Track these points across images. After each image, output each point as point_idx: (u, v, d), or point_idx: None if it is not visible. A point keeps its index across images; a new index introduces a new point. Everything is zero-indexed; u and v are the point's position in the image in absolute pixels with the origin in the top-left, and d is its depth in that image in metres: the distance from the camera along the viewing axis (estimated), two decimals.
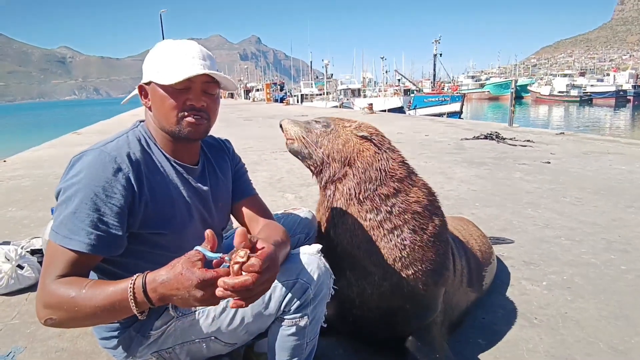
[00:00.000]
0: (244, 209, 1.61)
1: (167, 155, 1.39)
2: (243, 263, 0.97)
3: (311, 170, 1.79)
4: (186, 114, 1.32)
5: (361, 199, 1.65)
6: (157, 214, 1.30)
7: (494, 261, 2.49)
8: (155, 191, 1.31)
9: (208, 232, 1.04)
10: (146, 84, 1.36)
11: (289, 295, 1.30)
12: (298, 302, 1.31)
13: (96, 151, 1.25)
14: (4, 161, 7.94)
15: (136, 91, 1.42)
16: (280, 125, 1.82)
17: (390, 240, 1.63)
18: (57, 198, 1.22)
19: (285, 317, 1.33)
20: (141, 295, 1.05)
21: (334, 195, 1.70)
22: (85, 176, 1.19)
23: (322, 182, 1.75)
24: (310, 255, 1.35)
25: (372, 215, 1.64)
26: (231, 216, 1.68)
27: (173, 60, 1.30)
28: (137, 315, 1.07)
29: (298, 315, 1.33)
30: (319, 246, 1.39)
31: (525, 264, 2.83)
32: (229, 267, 0.98)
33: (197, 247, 1.03)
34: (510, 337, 2.02)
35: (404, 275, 1.64)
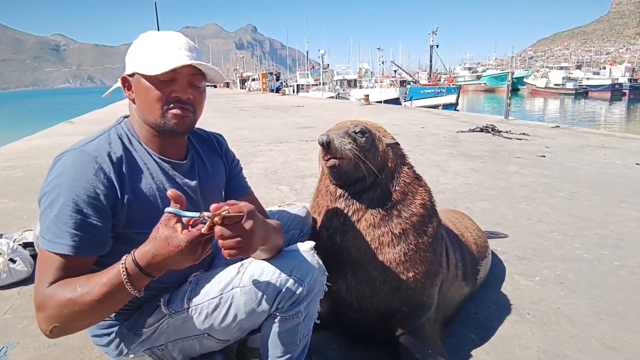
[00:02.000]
0: None
1: (151, 152, 1.36)
2: (226, 217, 1.03)
3: (347, 183, 1.67)
4: (172, 106, 1.29)
5: (380, 206, 1.64)
6: (141, 213, 1.28)
7: (489, 255, 2.49)
8: (138, 190, 1.29)
9: (170, 192, 1.07)
10: (130, 75, 1.32)
11: (282, 292, 1.29)
12: (291, 299, 1.31)
13: (76, 151, 1.22)
14: None
15: (119, 83, 1.38)
16: (324, 143, 1.55)
17: (397, 245, 1.62)
18: (40, 203, 1.20)
19: (278, 313, 1.33)
20: (135, 272, 1.07)
21: (352, 203, 1.65)
22: (66, 178, 1.17)
23: (351, 192, 1.67)
24: (304, 252, 1.35)
25: (384, 221, 1.63)
26: None
27: (158, 51, 1.27)
28: (134, 294, 1.09)
29: (291, 312, 1.33)
30: (312, 243, 1.39)
31: (519, 258, 2.83)
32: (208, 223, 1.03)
33: (168, 209, 1.06)
34: (503, 332, 2.03)
35: (404, 278, 1.64)
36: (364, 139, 1.64)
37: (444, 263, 1.82)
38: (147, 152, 1.36)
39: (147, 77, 1.27)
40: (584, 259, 2.81)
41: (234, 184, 1.65)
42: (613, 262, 2.77)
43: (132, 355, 1.42)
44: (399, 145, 1.79)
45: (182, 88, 1.30)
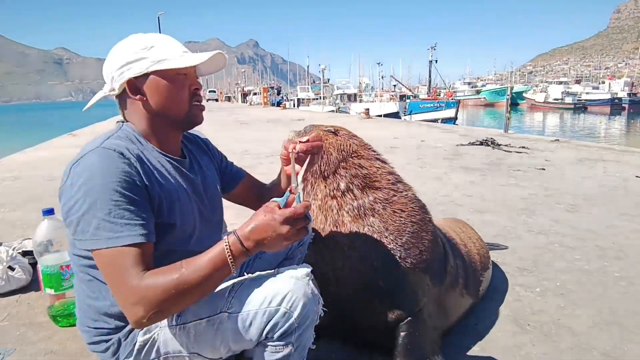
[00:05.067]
0: (246, 189, 1.75)
1: (157, 149, 1.38)
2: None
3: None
4: (195, 99, 1.38)
5: (326, 175, 1.76)
6: (165, 201, 1.30)
7: (490, 266, 2.49)
8: (159, 183, 1.31)
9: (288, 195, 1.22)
10: (138, 77, 1.31)
11: (271, 323, 1.23)
12: (280, 330, 1.24)
13: (98, 150, 1.22)
14: None
15: (98, 97, 1.38)
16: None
17: (344, 206, 1.74)
18: (71, 211, 1.19)
19: (268, 343, 1.27)
20: (238, 247, 1.15)
21: (313, 182, 1.81)
22: (98, 175, 1.17)
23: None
24: (297, 280, 1.26)
25: (333, 187, 1.75)
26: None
27: (168, 48, 1.32)
28: (233, 271, 1.17)
29: (282, 342, 1.26)
30: (307, 270, 1.31)
31: (519, 270, 2.83)
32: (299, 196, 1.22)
33: (273, 199, 1.23)
34: (503, 343, 2.01)
35: (371, 247, 1.70)
36: (294, 135, 1.85)
37: (436, 256, 1.83)
38: (155, 149, 1.37)
39: (168, 75, 1.31)
40: (584, 271, 2.81)
41: (228, 174, 1.71)
42: (613, 273, 2.76)
43: None
44: (338, 132, 1.88)
45: (195, 81, 1.38)
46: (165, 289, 1.13)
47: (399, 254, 1.72)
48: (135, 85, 1.33)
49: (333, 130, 1.84)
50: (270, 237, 1.16)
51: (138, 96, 1.33)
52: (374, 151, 1.88)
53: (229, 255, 1.15)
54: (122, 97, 1.37)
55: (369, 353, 1.90)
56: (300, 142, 1.47)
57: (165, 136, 1.40)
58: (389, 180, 1.80)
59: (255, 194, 1.80)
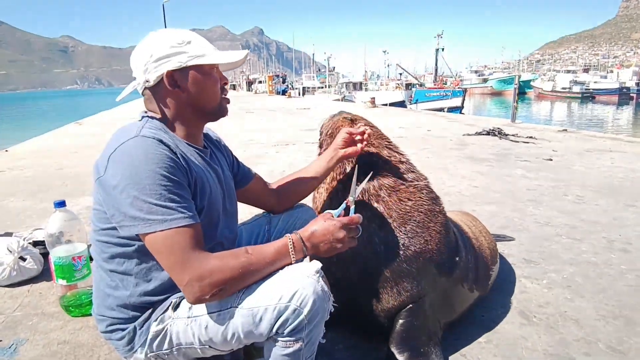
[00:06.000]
0: (255, 190, 1.81)
1: (184, 140, 1.44)
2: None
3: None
4: (223, 92, 1.49)
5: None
6: (198, 187, 1.36)
7: (498, 260, 2.49)
8: (192, 167, 1.35)
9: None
10: (176, 70, 1.37)
11: (281, 319, 1.25)
12: (291, 326, 1.26)
13: (137, 139, 1.26)
14: (6, 151, 7.95)
15: (132, 88, 1.41)
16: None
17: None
18: (115, 201, 1.23)
19: (278, 338, 1.29)
20: (299, 244, 1.32)
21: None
22: (145, 162, 1.21)
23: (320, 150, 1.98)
24: (307, 277, 1.27)
25: (340, 171, 1.85)
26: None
27: (203, 44, 1.42)
28: (292, 261, 1.32)
29: (292, 338, 1.28)
30: (318, 265, 1.32)
31: (526, 261, 2.83)
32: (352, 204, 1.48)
33: (328, 211, 1.41)
34: (509, 335, 2.03)
35: (374, 231, 1.74)
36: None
37: (444, 249, 1.83)
38: (182, 140, 1.43)
39: (203, 69, 1.40)
40: (591, 263, 2.81)
41: (240, 173, 1.77)
42: (620, 265, 2.76)
43: (141, 355, 1.42)
44: (356, 120, 1.97)
45: (223, 75, 1.49)
46: (233, 269, 1.22)
47: (402, 241, 1.73)
48: (173, 78, 1.38)
49: (350, 118, 1.93)
50: (328, 241, 1.32)
51: (175, 89, 1.39)
52: (388, 141, 1.92)
53: (291, 249, 1.30)
54: (154, 88, 1.41)
55: (375, 342, 1.91)
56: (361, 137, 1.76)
57: (193, 127, 1.47)
58: (398, 168, 1.83)
59: (262, 193, 1.86)
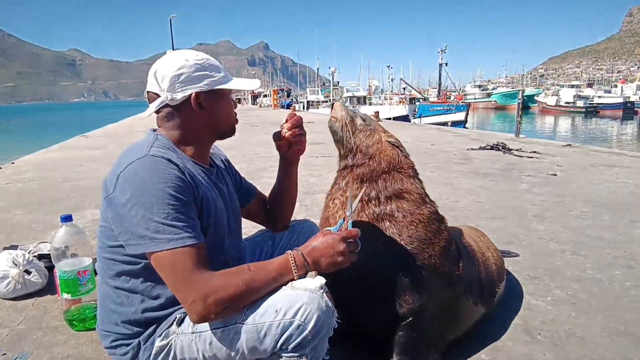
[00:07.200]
0: (257, 208, 1.87)
1: (192, 159, 1.47)
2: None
3: (339, 151, 1.94)
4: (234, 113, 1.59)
5: (365, 180, 1.81)
6: (204, 206, 1.39)
7: (505, 277, 2.47)
8: (199, 186, 1.38)
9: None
10: (204, 92, 1.43)
11: (285, 335, 1.26)
12: (295, 342, 1.27)
13: (147, 158, 1.29)
14: (12, 163, 8.00)
15: (157, 105, 1.44)
16: (332, 105, 2.00)
17: (373, 211, 1.78)
18: (123, 219, 1.25)
19: (282, 354, 1.30)
20: (301, 260, 1.33)
21: (346, 177, 1.87)
22: (154, 182, 1.24)
23: (342, 165, 1.90)
24: (312, 293, 1.29)
25: (364, 192, 1.79)
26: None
27: (222, 69, 1.50)
28: (295, 277, 1.32)
29: (295, 354, 1.29)
30: (322, 281, 1.33)
31: (530, 278, 2.82)
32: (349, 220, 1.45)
33: (326, 228, 1.43)
34: (513, 352, 2.01)
35: (380, 243, 1.74)
36: (362, 121, 1.92)
37: (446, 262, 1.84)
38: (190, 159, 1.46)
39: (224, 92, 1.50)
40: (595, 279, 2.80)
41: (243, 190, 1.82)
42: (625, 282, 2.74)
43: None
44: (400, 147, 1.94)
45: (232, 99, 1.57)
46: (236, 287, 1.23)
47: (406, 254, 1.73)
48: (198, 99, 1.43)
49: (393, 142, 1.93)
50: (329, 254, 1.33)
51: (200, 109, 1.44)
52: (415, 170, 1.95)
53: (293, 265, 1.32)
54: (177, 107, 1.44)
55: (376, 356, 1.91)
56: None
57: (203, 147, 1.52)
58: (415, 198, 1.84)
59: (263, 209, 1.91)
